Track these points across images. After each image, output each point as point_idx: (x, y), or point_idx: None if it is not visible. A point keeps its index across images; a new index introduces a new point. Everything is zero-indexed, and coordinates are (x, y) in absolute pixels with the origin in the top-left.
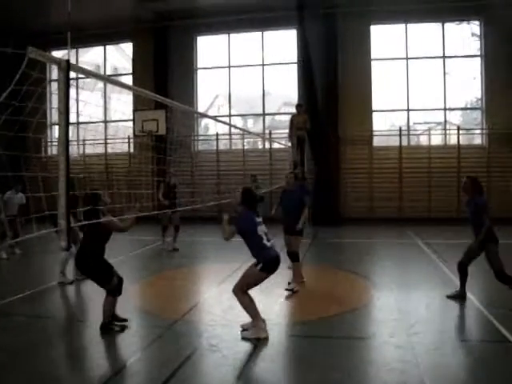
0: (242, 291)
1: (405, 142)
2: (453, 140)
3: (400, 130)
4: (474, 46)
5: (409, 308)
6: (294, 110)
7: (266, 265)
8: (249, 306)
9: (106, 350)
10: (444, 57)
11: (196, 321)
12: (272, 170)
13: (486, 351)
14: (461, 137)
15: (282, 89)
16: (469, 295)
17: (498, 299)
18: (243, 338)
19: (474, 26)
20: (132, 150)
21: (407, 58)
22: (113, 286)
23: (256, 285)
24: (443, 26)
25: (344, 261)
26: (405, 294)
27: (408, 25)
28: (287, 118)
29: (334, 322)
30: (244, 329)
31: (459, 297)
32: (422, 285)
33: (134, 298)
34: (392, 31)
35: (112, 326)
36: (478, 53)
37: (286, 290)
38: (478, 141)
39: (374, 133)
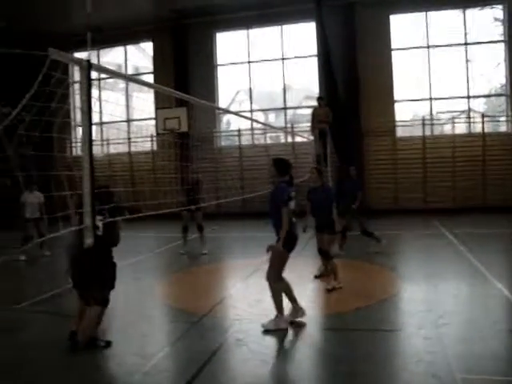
0: (275, 278)
1: (428, 132)
2: (477, 128)
3: (423, 119)
4: (497, 31)
5: (437, 299)
6: (315, 103)
7: (288, 241)
8: (278, 296)
9: (134, 346)
10: (466, 44)
11: (222, 316)
12: (295, 164)
13: None
14: (485, 124)
15: (303, 82)
16: (497, 284)
17: None
18: (265, 331)
19: (497, 11)
20: (155, 148)
21: (428, 47)
22: (108, 294)
23: (283, 264)
24: (464, 12)
25: (370, 253)
26: (432, 286)
27: (428, 12)
28: (309, 111)
29: (362, 315)
30: (266, 329)
31: None
32: (450, 275)
33: (161, 294)
34: (412, 20)
35: (98, 341)
36: (502, 38)
37: (327, 289)
38: (503, 128)
39: (397, 123)
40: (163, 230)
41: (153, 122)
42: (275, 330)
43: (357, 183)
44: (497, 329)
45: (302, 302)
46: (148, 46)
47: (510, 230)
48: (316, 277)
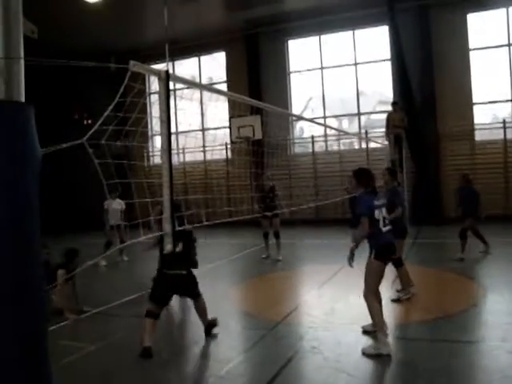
0: (372, 293)
1: (510, 135)
2: None
3: (504, 122)
4: None
5: None
6: (389, 108)
7: (378, 251)
8: (376, 313)
9: (210, 352)
10: None
11: (297, 323)
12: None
13: None
14: None
15: (377, 87)
16: None
17: None
18: (364, 354)
19: None
20: (230, 156)
21: (509, 45)
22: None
23: (381, 278)
24: None
25: (448, 261)
26: None
27: (509, 8)
28: (383, 116)
29: (439, 325)
30: (365, 330)
31: None
32: None
33: (235, 300)
34: (491, 17)
35: (213, 325)
36: None
37: (393, 300)
38: None
39: (476, 126)
40: (237, 236)
41: (227, 131)
42: (375, 355)
43: (473, 190)
44: None
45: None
46: (221, 56)
47: None
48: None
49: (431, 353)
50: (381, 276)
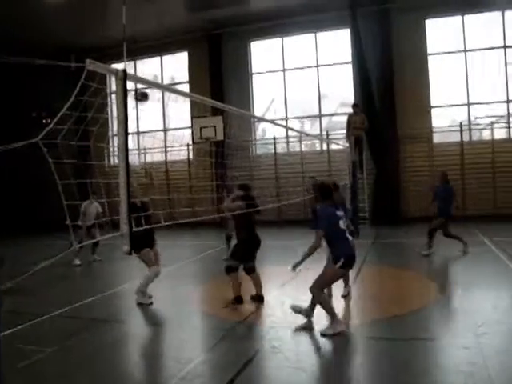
0: (319, 290)
1: (466, 138)
2: None
3: (461, 125)
4: None
5: (475, 308)
6: (350, 111)
7: (346, 261)
8: (327, 303)
9: (170, 353)
10: (505, 47)
11: (258, 323)
12: (331, 171)
13: None
14: None
15: (338, 89)
16: None
17: None
18: (322, 335)
19: None
20: (192, 157)
21: (465, 51)
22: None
23: (333, 282)
24: (503, 14)
25: (405, 261)
26: (471, 294)
27: (465, 16)
28: (344, 118)
29: (397, 323)
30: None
31: None
32: (489, 285)
33: (197, 301)
34: (449, 23)
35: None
36: None
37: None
38: None
39: (434, 129)
40: (200, 237)
41: (189, 131)
42: (333, 334)
43: (450, 188)
44: None
45: (337, 308)
46: (184, 56)
47: None
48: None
49: (389, 351)
50: (335, 281)
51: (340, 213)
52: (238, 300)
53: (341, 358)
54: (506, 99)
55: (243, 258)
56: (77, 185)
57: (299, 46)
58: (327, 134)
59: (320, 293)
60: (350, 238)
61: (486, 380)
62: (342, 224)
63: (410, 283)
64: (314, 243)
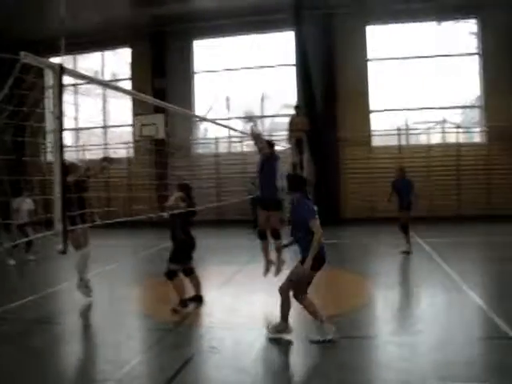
0: (287, 292)
1: (404, 142)
2: (452, 139)
3: (398, 129)
4: (473, 44)
5: (411, 307)
6: (293, 112)
7: (319, 262)
8: (286, 308)
9: (108, 353)
10: (442, 55)
11: (196, 324)
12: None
13: (488, 348)
14: (460, 135)
15: (281, 91)
16: (470, 292)
17: (498, 295)
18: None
19: (472, 25)
20: (132, 155)
21: (404, 58)
22: None
23: (306, 285)
24: (440, 24)
25: (344, 261)
26: (406, 293)
27: (404, 24)
28: (286, 120)
29: (335, 322)
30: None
31: None
32: (424, 284)
33: (134, 301)
34: (388, 31)
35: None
36: (477, 51)
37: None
38: (477, 139)
39: (373, 133)
40: (136, 237)
41: (130, 129)
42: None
43: (409, 181)
44: (469, 336)
45: (275, 309)
46: (126, 52)
47: (484, 238)
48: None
49: (326, 350)
50: (308, 282)
51: (315, 208)
52: (184, 303)
53: (279, 358)
54: (441, 106)
55: (181, 260)
56: (8, 181)
57: (243, 46)
58: (269, 135)
59: (288, 295)
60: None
61: (418, 376)
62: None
63: (347, 283)
64: (317, 234)
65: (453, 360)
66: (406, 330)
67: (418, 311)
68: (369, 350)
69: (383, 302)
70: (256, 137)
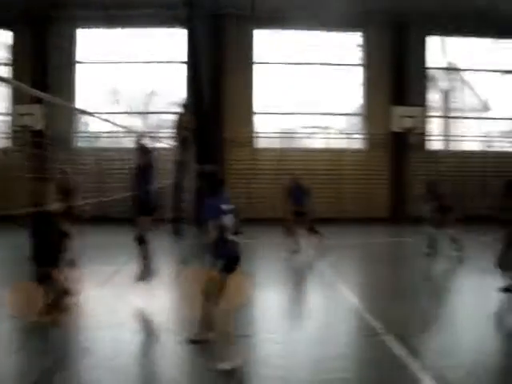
0: (207, 299)
1: (288, 145)
2: (335, 144)
3: (282, 132)
4: (359, 55)
5: (289, 305)
6: (180, 110)
7: (228, 263)
8: (206, 316)
9: None
10: (328, 64)
11: (69, 324)
12: (158, 169)
13: (361, 343)
14: (343, 141)
15: (170, 88)
16: (345, 290)
17: (371, 293)
18: (190, 341)
19: (358, 37)
20: (9, 145)
21: (291, 64)
22: None
23: (221, 289)
24: (329, 34)
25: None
26: (285, 292)
27: (294, 31)
28: (173, 117)
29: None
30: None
31: None
32: (302, 283)
33: (4, 302)
34: (276, 36)
35: None
36: (361, 62)
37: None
38: (358, 145)
39: (256, 134)
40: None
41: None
42: (232, 367)
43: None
44: (346, 332)
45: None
46: (7, 36)
47: (362, 241)
48: None
49: (198, 349)
50: (223, 287)
51: (226, 207)
52: (56, 303)
53: (155, 358)
54: (325, 112)
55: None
56: None
57: (133, 39)
58: (155, 132)
59: (208, 303)
60: (231, 237)
61: (293, 370)
62: (226, 220)
63: (228, 282)
64: (208, 238)
65: (330, 355)
66: (283, 328)
67: (297, 309)
68: (247, 348)
69: (262, 300)
70: (143, 150)
